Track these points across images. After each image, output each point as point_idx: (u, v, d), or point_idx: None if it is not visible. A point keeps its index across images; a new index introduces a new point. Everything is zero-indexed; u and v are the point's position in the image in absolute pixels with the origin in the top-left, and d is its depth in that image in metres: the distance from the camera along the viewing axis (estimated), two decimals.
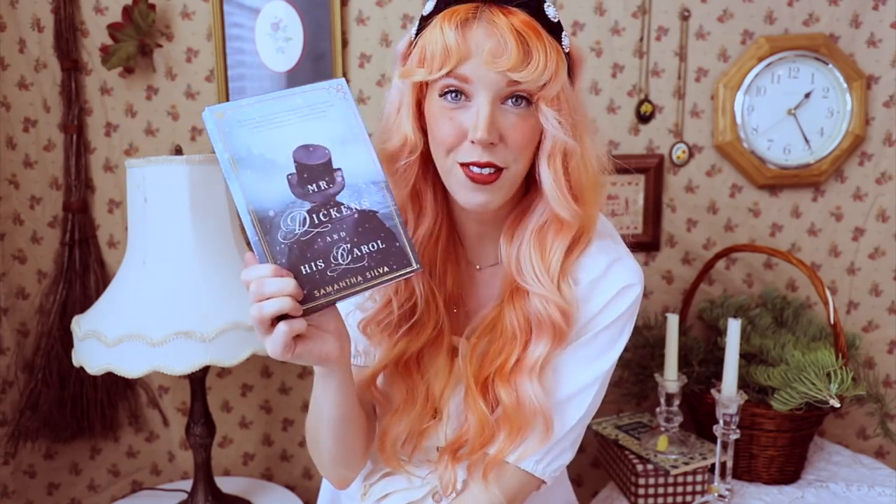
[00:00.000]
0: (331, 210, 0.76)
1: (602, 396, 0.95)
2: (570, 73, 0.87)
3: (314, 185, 0.76)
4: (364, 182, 0.78)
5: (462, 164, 0.84)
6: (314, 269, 0.75)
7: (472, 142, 0.82)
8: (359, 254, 0.77)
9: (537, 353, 0.89)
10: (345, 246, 0.77)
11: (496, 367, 0.91)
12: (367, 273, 0.78)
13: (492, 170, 0.83)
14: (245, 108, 0.74)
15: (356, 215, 0.77)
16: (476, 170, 0.83)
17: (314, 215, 0.75)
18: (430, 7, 0.86)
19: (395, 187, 0.90)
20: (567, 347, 0.90)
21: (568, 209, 0.87)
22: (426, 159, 0.90)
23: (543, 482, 0.93)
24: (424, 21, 0.86)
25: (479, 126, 0.80)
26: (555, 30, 0.84)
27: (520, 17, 0.81)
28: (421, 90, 0.87)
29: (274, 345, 0.74)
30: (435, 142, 0.86)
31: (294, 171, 0.75)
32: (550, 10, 0.84)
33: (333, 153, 0.77)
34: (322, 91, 0.78)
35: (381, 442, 0.96)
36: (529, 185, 0.92)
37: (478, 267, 0.99)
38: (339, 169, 0.77)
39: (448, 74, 0.81)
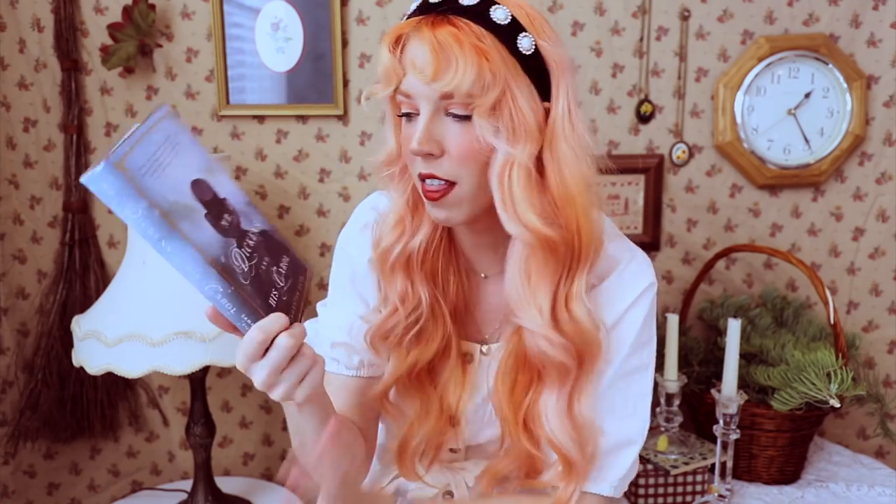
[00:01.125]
0: (246, 240, 0.73)
1: (650, 402, 0.94)
2: (542, 76, 0.82)
3: (224, 219, 0.71)
4: (243, 205, 0.75)
5: (419, 178, 0.84)
6: (276, 299, 0.72)
7: (411, 152, 0.82)
8: (283, 272, 0.76)
9: (553, 396, 0.87)
10: (274, 268, 0.74)
11: (529, 402, 0.89)
12: (297, 287, 0.77)
13: (440, 182, 0.82)
14: (134, 152, 0.62)
15: (261, 238, 0.75)
16: (428, 183, 0.83)
17: (243, 249, 0.71)
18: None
19: (394, 193, 0.90)
20: (606, 373, 0.88)
21: (515, 225, 0.81)
22: None
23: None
24: None
25: (414, 137, 0.81)
26: (506, 33, 0.79)
27: (447, 28, 0.78)
28: (398, 106, 0.87)
29: (309, 386, 0.72)
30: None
31: (205, 210, 0.69)
32: (498, 13, 0.79)
33: (212, 184, 0.72)
34: (165, 122, 0.69)
35: (399, 455, 0.94)
36: None
37: (484, 276, 0.97)
38: (224, 198, 0.73)
39: (396, 92, 0.82)
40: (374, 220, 0.94)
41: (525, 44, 0.80)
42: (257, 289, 0.70)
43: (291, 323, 0.70)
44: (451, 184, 0.82)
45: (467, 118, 0.80)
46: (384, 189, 0.94)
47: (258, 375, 0.70)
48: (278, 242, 0.78)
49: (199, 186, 0.69)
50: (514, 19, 0.80)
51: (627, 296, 0.89)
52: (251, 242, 0.73)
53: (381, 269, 0.91)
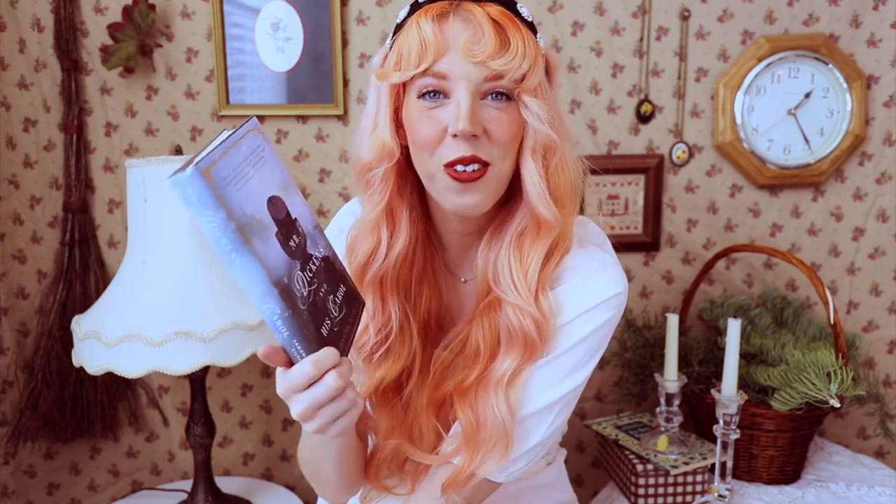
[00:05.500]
0: (309, 264, 0.70)
1: (570, 411, 0.93)
2: (547, 75, 0.86)
3: (292, 240, 0.68)
4: (311, 228, 0.73)
5: (447, 167, 0.82)
6: (328, 329, 0.70)
7: (455, 135, 0.80)
8: (338, 302, 0.74)
9: (504, 367, 0.86)
10: (331, 297, 0.72)
11: (455, 384, 0.89)
12: (349, 319, 0.75)
13: (477, 166, 0.81)
14: (221, 161, 0.61)
15: (322, 264, 0.73)
16: (461, 168, 0.81)
17: (305, 273, 0.69)
18: (403, 14, 0.85)
19: (368, 203, 0.88)
20: (540, 360, 0.88)
21: (549, 209, 0.84)
22: (403, 174, 0.88)
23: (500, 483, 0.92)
24: (399, 28, 0.85)
25: (460, 117, 0.78)
26: (530, 28, 0.83)
27: (496, 8, 0.80)
28: (398, 97, 0.85)
29: (343, 425, 0.72)
30: (416, 144, 0.84)
31: (276, 228, 0.67)
32: (524, 10, 0.84)
33: (286, 202, 0.70)
34: (252, 134, 0.68)
35: (366, 467, 0.95)
36: (511, 193, 0.90)
37: (463, 280, 0.97)
38: (296, 218, 0.71)
39: (426, 72, 0.80)
40: (351, 224, 0.93)
41: (542, 42, 0.85)
42: (312, 316, 0.68)
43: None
44: (485, 166, 0.82)
45: (507, 102, 0.81)
46: (359, 194, 0.92)
47: (296, 407, 0.69)
48: (337, 270, 0.75)
49: (274, 203, 0.67)
50: (532, 20, 0.84)
51: (590, 299, 0.88)
52: (313, 267, 0.71)
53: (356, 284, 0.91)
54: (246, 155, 0.65)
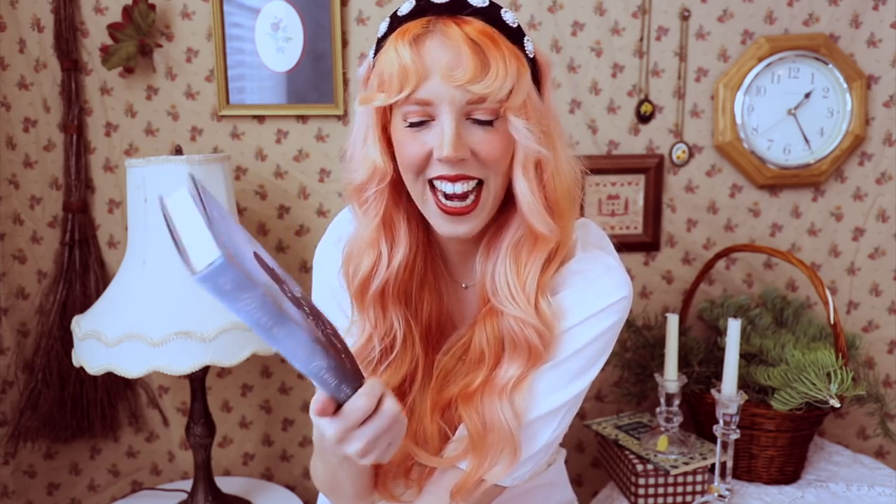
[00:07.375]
0: (305, 307, 0.64)
1: (575, 413, 0.92)
2: (537, 79, 0.84)
3: (287, 291, 0.62)
4: (281, 271, 0.66)
5: (434, 192, 0.81)
6: (350, 363, 0.68)
7: (440, 160, 0.79)
8: (334, 333, 0.69)
9: (510, 374, 0.86)
10: (330, 331, 0.68)
11: (459, 389, 0.88)
12: (346, 346, 0.72)
13: (467, 184, 0.80)
14: (226, 238, 0.54)
15: (307, 302, 0.67)
16: (449, 188, 0.80)
17: (310, 318, 0.64)
18: (383, 28, 0.83)
19: (364, 218, 0.87)
20: (544, 364, 0.87)
21: (544, 223, 0.83)
22: (397, 187, 0.87)
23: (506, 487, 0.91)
24: (380, 42, 0.83)
25: (444, 144, 0.77)
26: (515, 35, 0.80)
27: (474, 26, 0.77)
28: (385, 115, 0.84)
29: (397, 445, 0.73)
30: (403, 166, 0.83)
31: (277, 285, 0.60)
32: (508, 16, 0.80)
33: (260, 254, 0.63)
34: (206, 196, 0.59)
35: (375, 476, 0.94)
36: (506, 200, 0.88)
37: (464, 286, 0.97)
38: (273, 268, 0.64)
39: (408, 99, 0.78)
40: (349, 233, 0.92)
41: (529, 47, 0.82)
42: (340, 355, 0.66)
43: None
44: (478, 188, 0.81)
45: (495, 119, 0.79)
46: (353, 210, 0.90)
47: (357, 444, 0.68)
48: (314, 303, 0.71)
49: (259, 260, 0.60)
50: (518, 24, 0.81)
51: (595, 304, 0.87)
52: (307, 309, 0.65)
53: (357, 299, 0.89)
54: (221, 221, 0.57)
